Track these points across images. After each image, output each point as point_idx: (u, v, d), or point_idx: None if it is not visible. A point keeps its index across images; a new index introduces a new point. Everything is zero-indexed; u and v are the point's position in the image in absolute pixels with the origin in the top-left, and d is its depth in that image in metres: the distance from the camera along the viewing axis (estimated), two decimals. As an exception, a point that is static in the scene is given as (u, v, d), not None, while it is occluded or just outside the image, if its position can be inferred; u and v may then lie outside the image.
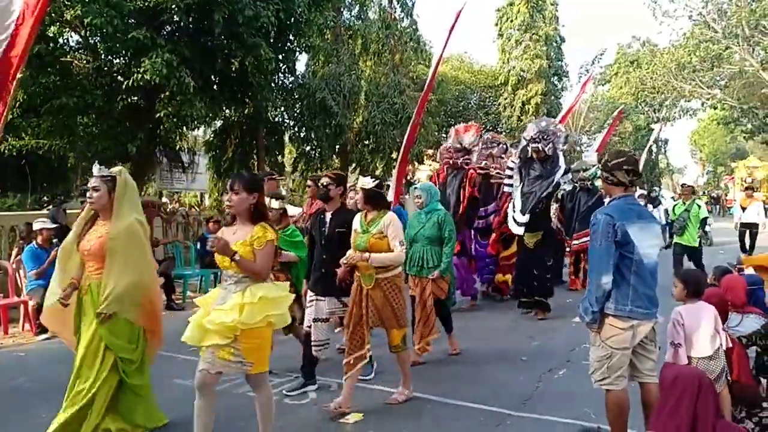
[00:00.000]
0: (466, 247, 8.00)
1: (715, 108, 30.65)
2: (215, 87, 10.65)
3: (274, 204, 4.96)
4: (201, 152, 13.99)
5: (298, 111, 13.64)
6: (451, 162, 7.83)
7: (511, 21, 29.55)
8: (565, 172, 7.29)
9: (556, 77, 30.50)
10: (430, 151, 21.37)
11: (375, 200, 4.39)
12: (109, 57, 9.90)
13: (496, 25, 30.42)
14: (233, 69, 9.71)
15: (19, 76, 7.26)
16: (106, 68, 9.71)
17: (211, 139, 13.21)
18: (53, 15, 9.03)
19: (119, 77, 9.49)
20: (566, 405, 4.35)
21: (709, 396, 2.96)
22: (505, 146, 8.86)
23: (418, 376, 5.04)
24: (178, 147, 12.01)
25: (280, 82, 12.82)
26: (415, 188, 5.76)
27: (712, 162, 51.52)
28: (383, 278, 4.27)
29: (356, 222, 4.44)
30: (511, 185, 7.44)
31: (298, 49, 11.63)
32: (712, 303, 3.44)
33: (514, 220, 7.30)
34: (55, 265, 7.05)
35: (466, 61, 33.47)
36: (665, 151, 45.49)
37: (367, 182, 4.39)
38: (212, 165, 13.70)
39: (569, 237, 9.47)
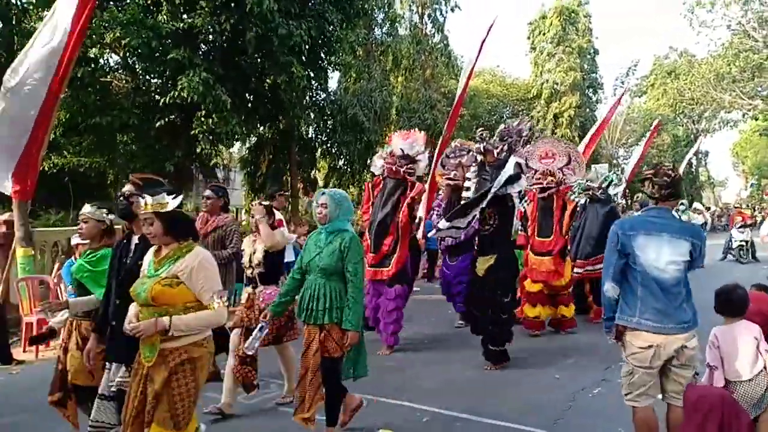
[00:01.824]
0: (406, 274, 6.60)
1: (757, 119, 29.79)
2: (249, 105, 10.86)
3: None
4: (236, 168, 14.24)
5: (330, 127, 13.79)
6: (393, 168, 6.34)
7: (544, 34, 29.41)
8: (512, 180, 5.51)
9: (590, 89, 30.17)
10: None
11: (175, 228, 2.97)
12: (147, 77, 10.21)
13: (529, 38, 30.32)
14: (266, 87, 9.89)
15: (60, 96, 7.61)
16: (143, 88, 10.01)
17: (246, 155, 13.44)
18: (93, 37, 9.38)
19: (156, 96, 9.76)
20: (599, 425, 4.24)
21: (739, 419, 2.83)
22: (474, 156, 7.66)
23: (447, 391, 5.02)
24: (213, 163, 12.25)
25: (313, 99, 13.01)
26: (322, 192, 3.98)
27: (756, 174, 49.92)
28: (172, 349, 2.84)
29: (145, 260, 3.03)
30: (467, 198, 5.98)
31: (329, 66, 11.78)
32: (755, 322, 3.27)
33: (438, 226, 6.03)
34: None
35: (498, 74, 33.41)
36: (706, 164, 44.38)
37: (161, 200, 2.94)
38: (247, 181, 13.92)
39: (574, 259, 7.97)
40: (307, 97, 12.27)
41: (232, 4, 9.26)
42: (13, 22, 8.64)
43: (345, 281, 3.72)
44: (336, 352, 3.73)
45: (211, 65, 9.32)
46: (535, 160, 7.44)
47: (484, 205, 5.49)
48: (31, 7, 9.34)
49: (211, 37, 9.97)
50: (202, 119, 9.43)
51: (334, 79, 16.26)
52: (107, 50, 10.34)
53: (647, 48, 75.32)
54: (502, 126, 6.05)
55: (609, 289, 3.27)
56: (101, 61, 10.64)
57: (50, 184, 12.62)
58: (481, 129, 6.07)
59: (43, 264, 8.75)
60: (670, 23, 77.80)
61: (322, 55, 11.30)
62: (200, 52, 9.85)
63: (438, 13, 20.68)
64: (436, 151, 11.20)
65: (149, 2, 9.63)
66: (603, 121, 19.23)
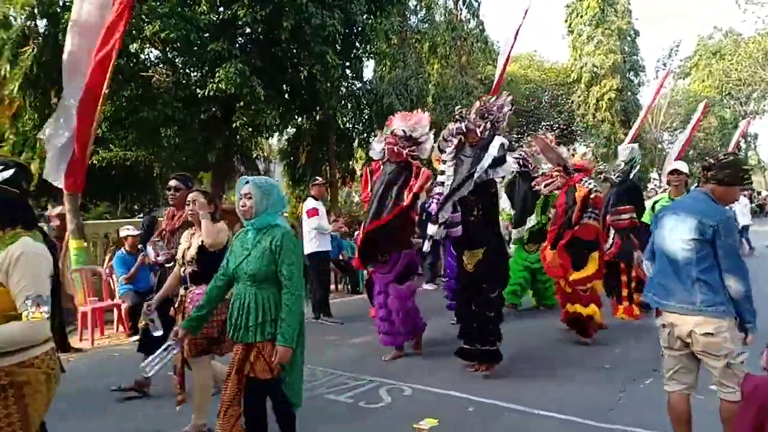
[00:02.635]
0: (413, 268, 5.89)
1: (810, 98, 28.55)
2: (286, 96, 10.91)
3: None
4: (276, 160, 14.37)
5: (366, 117, 13.76)
6: (395, 150, 5.60)
7: (581, 16, 28.71)
8: (497, 162, 4.91)
9: (631, 72, 29.33)
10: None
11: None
12: (187, 70, 10.34)
13: (566, 21, 29.65)
14: (302, 78, 9.91)
15: (105, 91, 7.78)
16: (184, 81, 10.15)
17: (285, 146, 13.54)
18: (134, 32, 9.54)
19: (197, 89, 9.89)
20: (652, 416, 4.12)
21: None
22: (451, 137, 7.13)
23: (494, 382, 4.97)
24: (254, 155, 12.39)
25: (348, 88, 13.00)
26: (246, 181, 3.24)
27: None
28: None
29: None
30: (442, 183, 5.21)
31: (364, 55, 11.73)
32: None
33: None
34: (142, 270, 7.49)
35: (536, 59, 32.80)
36: (755, 147, 42.69)
37: None
38: (286, 172, 14.03)
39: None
40: (343, 87, 12.25)
41: (268, -4, 9.29)
42: (57, 19, 8.84)
43: (280, 288, 3.05)
44: (265, 374, 3.05)
45: (248, 57, 9.39)
46: (540, 156, 7.16)
47: (466, 192, 4.86)
48: (71, 4, 9.55)
49: (248, 29, 10.03)
50: (241, 111, 9.52)
51: (369, 68, 16.23)
52: (147, 44, 10.51)
53: (683, 32, 72.36)
54: (477, 103, 5.25)
55: (647, 268, 3.52)
56: (142, 55, 10.83)
57: (99, 177, 12.98)
58: (459, 108, 5.39)
59: (95, 255, 9.02)
60: (707, 6, 74.71)
61: (357, 44, 11.26)
62: (237, 44, 9.93)
63: (473, -1, 20.36)
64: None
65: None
66: (648, 107, 18.76)
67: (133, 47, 10.19)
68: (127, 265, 7.44)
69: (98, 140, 10.99)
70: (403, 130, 5.69)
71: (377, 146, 5.90)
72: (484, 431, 3.98)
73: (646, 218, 6.61)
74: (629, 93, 28.68)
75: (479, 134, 5.01)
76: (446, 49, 18.74)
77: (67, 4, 9.87)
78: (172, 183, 4.72)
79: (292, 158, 12.88)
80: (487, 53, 20.88)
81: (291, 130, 12.75)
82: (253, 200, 3.13)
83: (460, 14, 20.49)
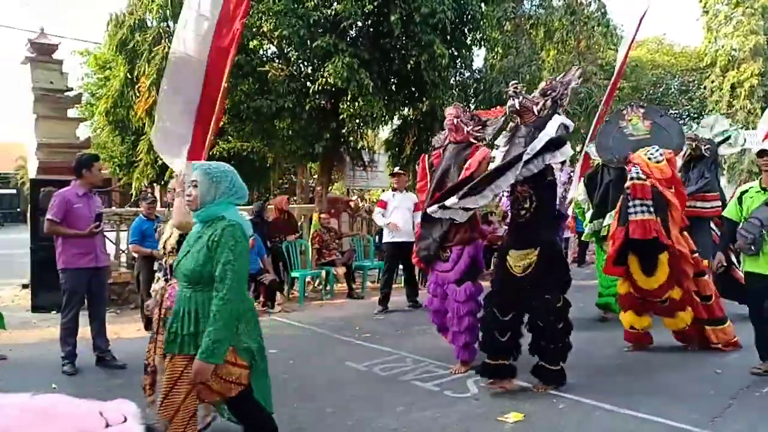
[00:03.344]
0: (477, 267, 5.11)
1: None
2: (393, 87, 11.02)
3: None
4: (381, 151, 14.58)
5: (473, 106, 13.57)
6: (456, 123, 5.05)
7: (719, -5, 26.26)
8: (552, 146, 4.08)
9: (777, 54, 26.39)
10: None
11: None
12: (299, 64, 10.77)
13: (700, 1, 27.24)
14: (409, 68, 9.96)
15: (225, 85, 8.32)
16: (296, 74, 10.59)
17: (390, 137, 13.73)
18: (253, 30, 10.10)
19: (308, 82, 10.28)
20: (763, 429, 3.77)
21: None
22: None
23: (588, 378, 4.76)
24: (360, 146, 12.66)
25: (457, 78, 12.86)
26: (194, 167, 2.91)
27: None
28: None
29: None
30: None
31: (474, 43, 11.55)
32: None
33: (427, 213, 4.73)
34: (251, 254, 7.95)
35: (665, 42, 30.56)
36: None
37: None
38: (391, 163, 14.23)
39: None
40: (451, 77, 12.15)
41: (377, -11, 9.44)
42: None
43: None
44: (223, 393, 2.68)
45: (356, 50, 9.59)
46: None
47: (513, 178, 4.10)
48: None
49: (359, 23, 10.26)
50: (348, 103, 9.76)
51: (480, 56, 15.94)
52: (266, 41, 11.07)
53: None
54: (543, 83, 4.61)
55: None
56: (261, 51, 11.43)
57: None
58: (514, 82, 4.61)
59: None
60: None
61: (466, 32, 11.11)
62: (348, 39, 10.19)
63: (595, -20, 19.30)
64: (592, 127, 10.52)
65: (300, -9, 10.13)
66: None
67: (252, 44, 10.79)
68: (238, 249, 7.93)
69: (219, 132, 11.81)
70: (473, 114, 5.29)
71: (441, 135, 5.45)
72: (568, 430, 3.83)
73: (732, 212, 5.04)
74: (773, 77, 25.88)
75: (536, 113, 4.34)
76: (564, 34, 17.95)
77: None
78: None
79: (397, 149, 13.00)
80: (608, 37, 19.69)
81: (397, 121, 12.87)
82: (199, 189, 2.74)
83: (580, -3, 19.55)
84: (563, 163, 5.73)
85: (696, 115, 29.04)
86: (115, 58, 11.12)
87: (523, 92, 4.42)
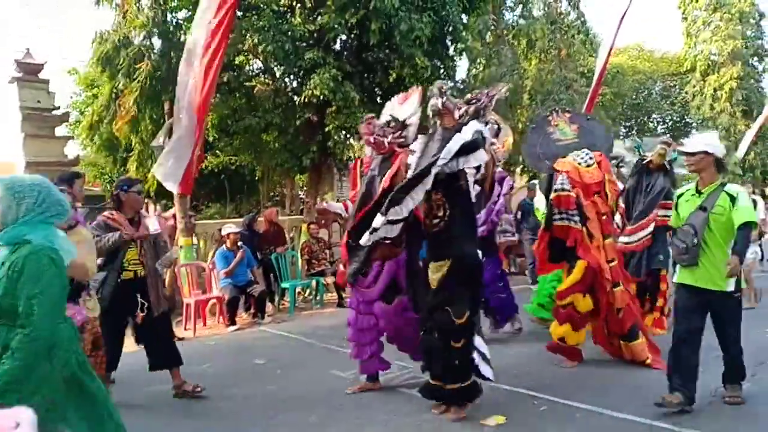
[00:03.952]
0: (397, 285, 4.65)
1: None
2: (378, 99, 11.20)
3: None
4: (368, 161, 14.76)
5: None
6: (372, 141, 4.71)
7: (697, 1, 26.75)
8: (466, 149, 3.81)
9: (755, 58, 26.92)
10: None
11: None
12: (285, 79, 10.93)
13: (680, 7, 27.75)
14: (391, 80, 10.14)
15: (211, 101, 8.45)
16: (282, 88, 10.74)
17: (378, 148, 13.88)
18: (239, 46, 10.25)
19: (294, 96, 10.43)
20: (740, 425, 3.90)
21: None
22: (497, 127, 5.84)
23: (569, 380, 4.88)
24: (347, 157, 12.82)
25: (440, 89, 13.08)
26: None
27: None
28: None
29: None
30: None
31: (456, 54, 11.77)
32: None
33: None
34: (241, 266, 8.04)
35: (645, 49, 31.05)
36: None
37: None
38: (380, 173, 14.36)
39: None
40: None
41: (358, 4, 9.61)
42: (170, 37, 9.72)
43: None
44: None
45: (341, 63, 9.77)
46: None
47: (428, 185, 3.82)
48: (182, 23, 10.43)
49: (343, 36, 10.43)
50: (334, 116, 9.93)
51: (463, 67, 16.21)
52: (251, 56, 11.22)
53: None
54: (469, 94, 4.40)
55: None
56: (246, 67, 11.58)
57: (211, 182, 14.03)
58: (441, 81, 4.42)
59: (205, 252, 9.79)
60: None
61: (448, 43, 11.33)
62: (332, 52, 10.35)
63: (574, -10, 19.68)
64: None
65: (283, 8, 10.28)
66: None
67: (238, 60, 10.94)
68: (227, 261, 8.03)
69: (208, 146, 11.91)
70: (391, 115, 4.82)
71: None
72: (554, 431, 3.94)
73: (672, 220, 4.55)
74: (752, 81, 26.33)
75: (457, 117, 4.14)
76: (545, 42, 18.28)
77: (180, 23, 10.82)
78: (141, 187, 4.91)
79: (384, 159, 13.17)
80: (588, 45, 20.09)
81: (383, 132, 13.06)
82: (1, 207, 2.35)
83: (560, 7, 19.90)
84: (504, 178, 6.13)
85: (678, 120, 29.52)
86: (100, 76, 11.21)
87: (448, 94, 4.23)
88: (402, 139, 4.68)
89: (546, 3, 19.11)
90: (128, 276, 4.58)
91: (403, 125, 4.73)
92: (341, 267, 4.89)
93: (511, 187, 6.33)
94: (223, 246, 8.27)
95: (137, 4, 10.23)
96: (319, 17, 9.71)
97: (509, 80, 14.41)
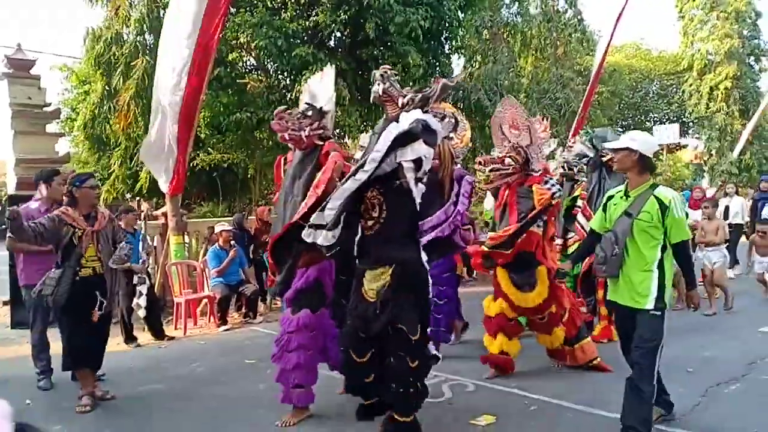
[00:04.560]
0: (320, 293, 4.18)
1: None
2: (371, 97, 11.13)
3: None
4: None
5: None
6: (288, 138, 4.13)
7: (694, 0, 26.73)
8: (403, 140, 3.31)
9: (751, 57, 26.91)
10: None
11: None
12: (278, 75, 10.85)
13: (676, 6, 27.72)
14: (386, 77, 10.08)
15: (202, 98, 8.36)
16: (275, 85, 10.65)
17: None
18: (232, 42, 10.15)
19: (286, 93, 10.34)
20: (731, 424, 3.85)
21: None
22: (454, 120, 5.41)
23: (560, 380, 4.85)
24: (341, 155, 12.76)
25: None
26: None
27: None
28: None
29: None
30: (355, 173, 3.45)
31: (451, 52, 11.70)
32: None
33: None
34: (233, 265, 7.96)
35: (642, 48, 31.03)
36: None
37: None
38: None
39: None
40: (428, 85, 12.30)
41: (352, 0, 9.54)
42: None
43: None
44: None
45: (334, 60, 9.69)
46: (507, 127, 5.11)
47: (361, 183, 3.35)
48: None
49: (337, 33, 10.35)
50: (327, 112, 9.85)
51: (459, 65, 16.13)
52: (244, 53, 11.12)
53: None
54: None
55: None
56: (240, 64, 11.48)
57: (203, 180, 13.91)
58: (387, 66, 3.84)
59: (197, 251, 9.71)
60: None
61: (443, 40, 11.26)
62: (326, 49, 10.27)
63: (571, -12, 19.65)
64: (571, 132, 10.68)
65: (276, 3, 10.19)
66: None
67: (231, 57, 10.84)
68: (219, 260, 7.95)
69: (200, 145, 11.81)
70: (307, 104, 4.25)
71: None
72: (544, 430, 3.90)
73: (596, 222, 3.97)
74: (749, 80, 26.32)
75: (401, 105, 3.59)
76: (541, 41, 18.24)
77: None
78: (95, 182, 4.73)
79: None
80: (585, 43, 20.06)
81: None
82: None
83: (557, 5, 19.86)
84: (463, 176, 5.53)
85: (675, 119, 29.53)
86: (93, 73, 11.10)
87: (392, 80, 3.69)
88: (321, 130, 4.15)
89: (543, 1, 19.07)
90: (86, 273, 4.48)
91: (320, 114, 4.19)
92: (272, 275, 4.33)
93: (472, 186, 5.82)
94: (216, 245, 8.19)
95: (129, 1, 10.14)
96: (314, 14, 9.62)
97: (505, 78, 14.33)
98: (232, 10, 9.43)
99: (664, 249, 3.49)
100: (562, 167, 6.56)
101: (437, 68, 11.91)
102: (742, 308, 7.56)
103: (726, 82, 25.32)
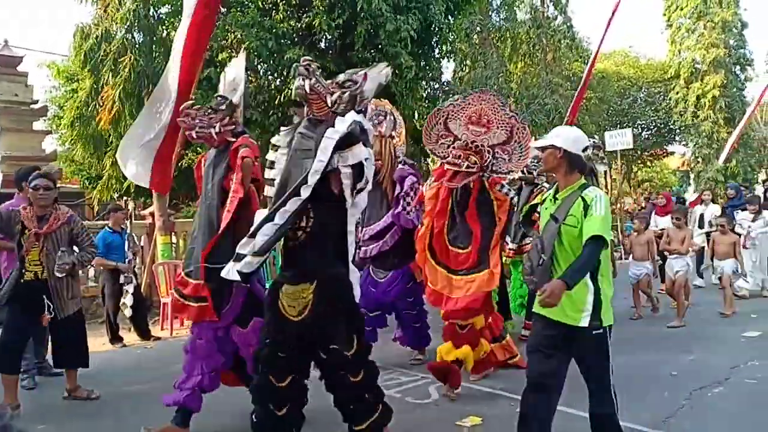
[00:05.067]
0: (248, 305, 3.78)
1: None
2: (362, 98, 11.18)
3: None
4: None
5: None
6: (196, 136, 3.80)
7: (682, 9, 27.04)
8: (347, 142, 3.07)
9: (737, 67, 27.26)
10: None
11: None
12: (268, 77, 10.84)
13: (664, 14, 28.04)
14: (376, 80, 10.12)
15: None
16: (265, 86, 10.65)
17: (361, 148, 13.84)
18: (222, 42, 10.13)
19: (277, 94, 10.34)
20: (716, 427, 3.90)
21: None
22: (393, 118, 5.37)
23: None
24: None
25: (424, 90, 13.07)
26: None
27: None
28: None
29: None
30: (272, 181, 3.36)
31: (441, 56, 11.77)
32: None
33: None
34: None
35: (630, 55, 31.32)
36: None
37: None
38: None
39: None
40: (420, 89, 12.35)
41: (344, 4, 9.56)
42: (152, 32, 9.57)
43: None
44: None
45: (325, 62, 9.70)
46: (460, 123, 4.57)
47: (307, 192, 2.99)
48: (164, 17, 10.29)
49: (328, 35, 10.37)
50: (315, 114, 9.85)
51: (449, 69, 16.22)
52: (234, 53, 11.10)
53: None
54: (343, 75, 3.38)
55: None
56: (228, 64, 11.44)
57: (191, 180, 13.85)
58: (307, 58, 3.30)
59: (184, 251, 9.65)
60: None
61: (433, 44, 11.32)
62: (316, 51, 10.28)
63: (560, -5, 19.85)
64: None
65: (268, 4, 10.18)
66: (756, 102, 17.45)
67: (221, 56, 10.81)
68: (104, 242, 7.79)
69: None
70: (220, 96, 3.92)
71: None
72: (528, 432, 3.90)
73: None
74: (734, 89, 26.65)
75: (330, 104, 3.17)
76: (530, 47, 18.38)
77: (161, 17, 10.68)
78: (42, 183, 4.41)
79: (366, 160, 13.14)
80: (574, 50, 20.27)
81: (367, 132, 13.03)
82: None
83: (546, 11, 20.04)
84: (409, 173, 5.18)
85: (662, 126, 29.82)
86: (81, 71, 11.03)
87: (318, 75, 3.19)
88: (233, 126, 3.82)
89: (532, 7, 19.22)
90: (29, 277, 4.35)
91: (232, 107, 3.86)
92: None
93: (414, 186, 5.16)
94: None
95: (119, -2, 10.09)
96: (306, 17, 9.63)
97: (495, 83, 14.43)
98: (223, 9, 9.41)
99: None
100: (521, 171, 6.02)
101: (428, 71, 11.98)
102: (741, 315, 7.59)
103: (713, 90, 25.62)
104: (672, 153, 33.03)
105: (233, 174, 3.62)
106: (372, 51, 9.94)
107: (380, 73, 3.47)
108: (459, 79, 14.69)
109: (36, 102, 10.08)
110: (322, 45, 10.63)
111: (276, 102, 9.94)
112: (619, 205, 18.34)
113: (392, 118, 5.29)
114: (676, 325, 6.85)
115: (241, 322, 3.78)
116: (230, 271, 3.03)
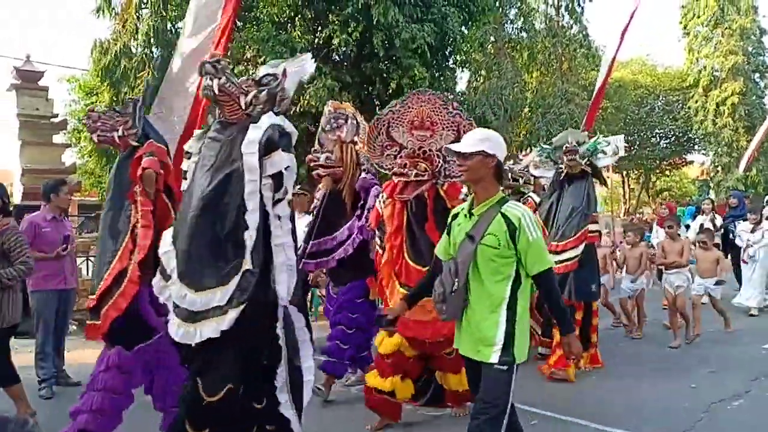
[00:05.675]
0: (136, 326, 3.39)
1: None
2: (377, 109, 11.22)
3: None
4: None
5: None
6: (98, 140, 3.66)
7: (698, 17, 26.86)
8: (268, 147, 2.68)
9: (756, 74, 26.97)
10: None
11: None
12: (285, 89, 10.96)
13: (681, 22, 27.87)
14: (390, 91, 10.15)
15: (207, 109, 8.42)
16: (281, 99, 10.76)
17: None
18: (237, 57, 10.25)
19: (292, 107, 10.43)
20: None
21: None
22: (355, 121, 4.94)
23: (563, 394, 4.80)
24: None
25: (440, 100, 13.12)
26: None
27: None
28: None
29: None
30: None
31: (456, 66, 11.80)
32: None
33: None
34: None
35: (648, 63, 31.13)
36: None
37: None
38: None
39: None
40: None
41: (360, 17, 9.64)
42: (169, 47, 9.72)
43: None
44: None
45: (339, 73, 9.79)
46: (404, 130, 4.07)
47: (255, 217, 2.67)
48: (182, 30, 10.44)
49: (343, 47, 10.47)
50: (330, 126, 9.92)
51: (464, 79, 16.24)
52: (250, 67, 11.23)
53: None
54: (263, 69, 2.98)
55: None
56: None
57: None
58: (216, 52, 3.10)
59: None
60: None
61: (447, 54, 11.35)
62: (331, 63, 10.37)
63: (575, 4, 19.80)
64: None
65: (283, 19, 10.29)
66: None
67: (237, 70, 10.96)
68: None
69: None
70: (131, 99, 3.74)
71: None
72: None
73: (440, 249, 3.02)
74: (754, 97, 26.36)
75: (244, 106, 2.79)
76: (546, 56, 18.34)
77: (180, 32, 10.86)
78: None
79: (381, 170, 13.18)
80: (590, 59, 20.16)
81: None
82: None
83: (562, 20, 20.01)
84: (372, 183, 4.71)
85: (681, 135, 29.52)
86: (100, 85, 11.24)
87: (228, 73, 2.80)
88: (136, 130, 3.57)
89: (548, 16, 19.21)
90: None
91: (137, 110, 3.60)
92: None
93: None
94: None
95: (137, 13, 10.27)
96: (322, 30, 9.73)
97: (510, 92, 14.40)
98: (238, 24, 9.54)
99: (517, 285, 2.64)
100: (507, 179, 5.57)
101: (442, 81, 12.00)
102: (746, 325, 7.48)
103: (732, 98, 25.36)
104: (691, 162, 32.64)
105: (135, 186, 3.35)
106: (386, 62, 10.00)
107: (301, 66, 2.98)
108: (474, 90, 14.68)
109: (56, 116, 10.25)
110: (336, 57, 10.72)
111: (292, 113, 10.02)
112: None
113: (355, 122, 4.86)
114: (693, 337, 6.65)
115: (109, 339, 3.43)
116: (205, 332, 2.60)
